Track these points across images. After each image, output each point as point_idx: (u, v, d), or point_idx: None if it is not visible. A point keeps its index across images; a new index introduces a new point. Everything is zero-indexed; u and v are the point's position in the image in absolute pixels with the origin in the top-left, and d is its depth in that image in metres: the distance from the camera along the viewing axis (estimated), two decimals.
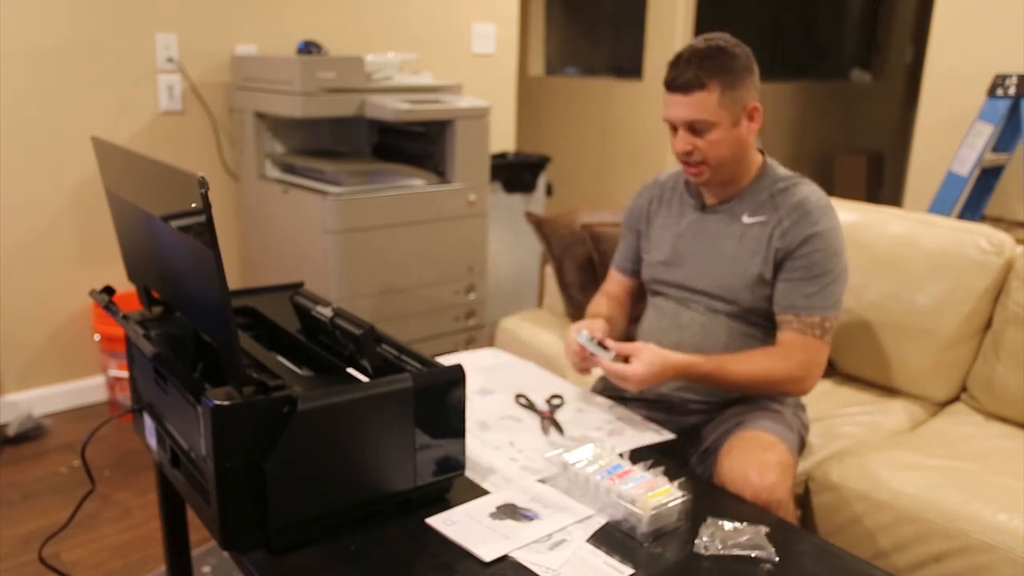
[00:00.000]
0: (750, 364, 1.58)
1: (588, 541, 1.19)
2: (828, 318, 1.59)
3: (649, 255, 1.78)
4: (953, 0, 3.19)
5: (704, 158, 1.58)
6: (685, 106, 1.54)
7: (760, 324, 1.66)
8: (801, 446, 1.70)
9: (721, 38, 1.56)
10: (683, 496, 1.25)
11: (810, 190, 1.63)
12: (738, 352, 1.63)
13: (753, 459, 1.46)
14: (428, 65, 3.38)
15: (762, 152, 1.69)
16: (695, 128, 1.56)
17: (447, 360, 1.28)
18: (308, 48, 2.94)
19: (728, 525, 1.22)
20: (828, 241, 1.58)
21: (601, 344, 1.56)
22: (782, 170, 1.68)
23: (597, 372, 2.14)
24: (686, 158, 1.60)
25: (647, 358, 1.51)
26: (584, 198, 4.79)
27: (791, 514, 1.47)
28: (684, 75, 1.52)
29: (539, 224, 2.48)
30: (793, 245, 1.58)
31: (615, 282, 1.89)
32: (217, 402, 1.04)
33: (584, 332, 1.58)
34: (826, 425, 1.91)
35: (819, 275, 1.58)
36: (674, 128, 1.60)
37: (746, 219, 1.64)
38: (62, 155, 2.74)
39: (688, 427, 1.68)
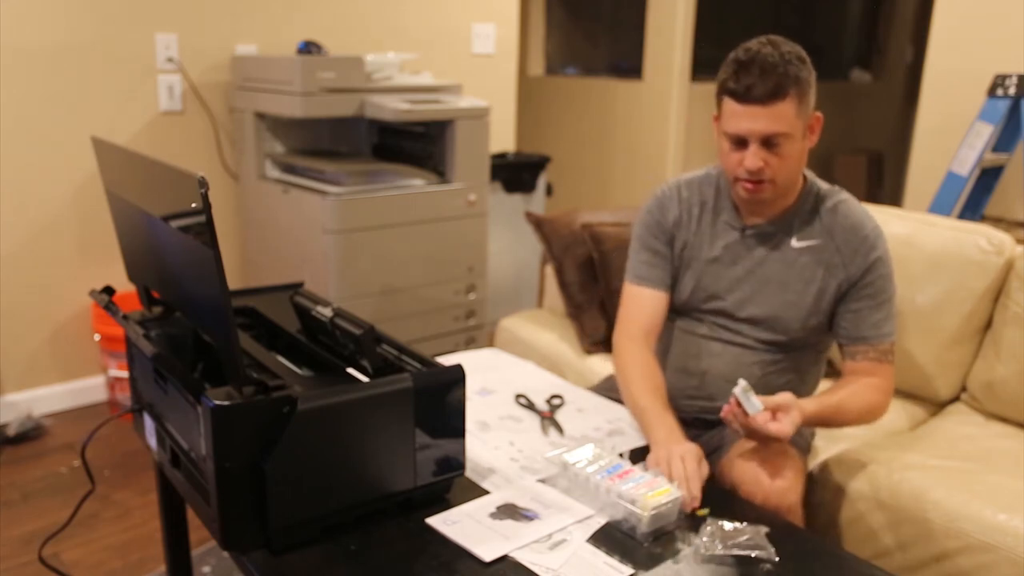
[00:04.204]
0: (859, 402, 1.52)
1: (588, 541, 1.19)
2: (895, 342, 1.56)
3: (682, 278, 1.64)
4: (953, 0, 3.19)
5: (774, 175, 1.45)
6: (763, 118, 1.40)
7: (794, 354, 1.61)
8: (808, 450, 1.69)
9: (786, 43, 1.44)
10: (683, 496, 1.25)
11: (860, 209, 1.56)
12: (830, 389, 1.54)
13: (765, 463, 1.45)
14: (428, 65, 3.38)
15: None
16: (770, 142, 1.43)
17: (447, 360, 1.28)
18: (308, 48, 2.94)
19: (728, 525, 1.22)
20: (887, 265, 1.55)
21: (751, 400, 1.37)
22: (823, 184, 1.60)
23: (598, 370, 2.14)
24: (755, 175, 1.46)
25: (796, 417, 1.37)
26: (584, 198, 4.79)
27: (799, 519, 1.45)
28: (763, 85, 1.38)
29: (539, 224, 2.48)
30: (857, 275, 1.53)
31: (651, 306, 1.64)
32: (217, 402, 1.04)
33: (742, 383, 1.36)
34: None
35: (884, 301, 1.54)
36: (738, 142, 1.46)
37: (795, 243, 1.55)
38: (62, 155, 2.74)
39: (694, 435, 1.66)
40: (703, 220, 1.63)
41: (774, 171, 1.46)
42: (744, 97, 1.41)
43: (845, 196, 1.59)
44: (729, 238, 1.61)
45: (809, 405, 1.43)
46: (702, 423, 1.68)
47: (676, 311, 1.70)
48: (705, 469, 1.36)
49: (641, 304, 1.65)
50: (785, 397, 1.38)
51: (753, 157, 1.44)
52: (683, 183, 1.68)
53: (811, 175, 1.60)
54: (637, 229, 1.69)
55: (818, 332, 1.60)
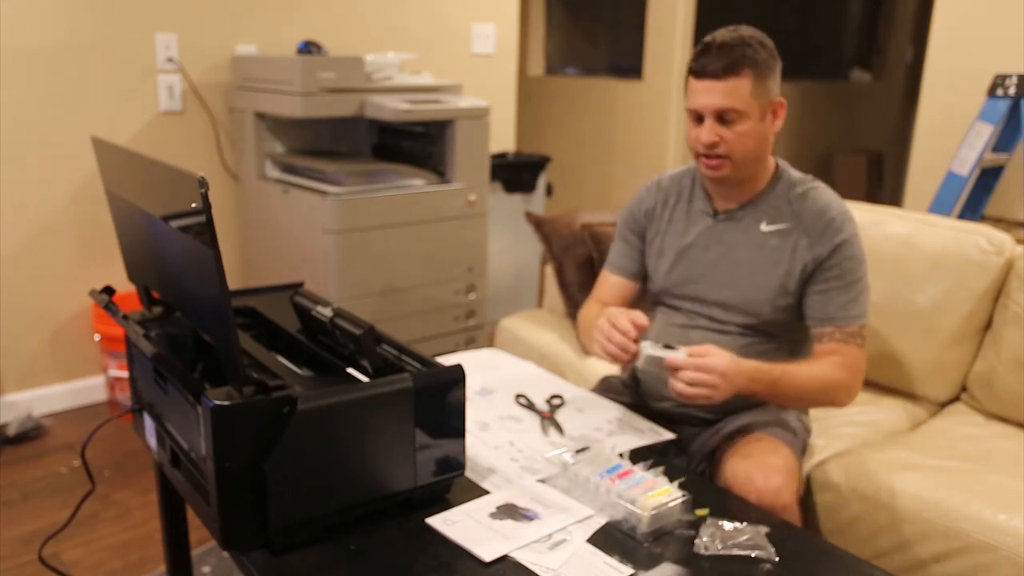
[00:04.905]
0: (811, 371, 1.52)
1: (588, 541, 1.19)
2: (864, 325, 1.56)
3: (658, 265, 1.70)
4: (953, 0, 3.19)
5: (729, 151, 1.51)
6: (718, 93, 1.47)
7: (774, 338, 1.62)
8: (804, 449, 1.69)
9: (748, 29, 1.52)
10: (683, 496, 1.25)
11: (830, 195, 1.59)
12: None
13: (758, 462, 1.45)
14: (428, 65, 3.38)
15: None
16: (724, 118, 1.49)
17: (447, 360, 1.28)
18: (308, 48, 2.94)
19: (728, 525, 1.22)
20: (855, 248, 1.55)
21: (668, 347, 1.41)
22: (795, 173, 1.63)
23: (598, 370, 2.14)
24: (710, 150, 1.52)
25: (726, 354, 1.40)
26: (584, 198, 4.79)
27: (796, 518, 1.46)
28: (719, 61, 1.46)
29: (539, 224, 2.48)
30: (822, 256, 1.54)
31: (612, 288, 1.78)
32: (217, 402, 1.04)
33: (648, 343, 1.42)
34: (826, 425, 1.91)
35: (852, 283, 1.54)
36: (698, 119, 1.53)
37: (764, 227, 1.59)
38: (62, 155, 2.74)
39: (690, 436, 1.66)
40: (678, 208, 1.69)
41: (729, 147, 1.51)
42: (700, 73, 1.50)
43: (817, 184, 1.62)
44: (702, 224, 1.65)
45: (751, 364, 1.44)
46: (694, 421, 1.67)
47: (657, 301, 1.74)
48: (632, 317, 1.43)
49: (608, 287, 1.79)
50: (706, 347, 1.40)
51: (708, 131, 1.51)
52: (666, 176, 1.75)
53: (784, 163, 1.64)
54: (619, 221, 1.80)
55: (791, 315, 1.61)
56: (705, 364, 1.37)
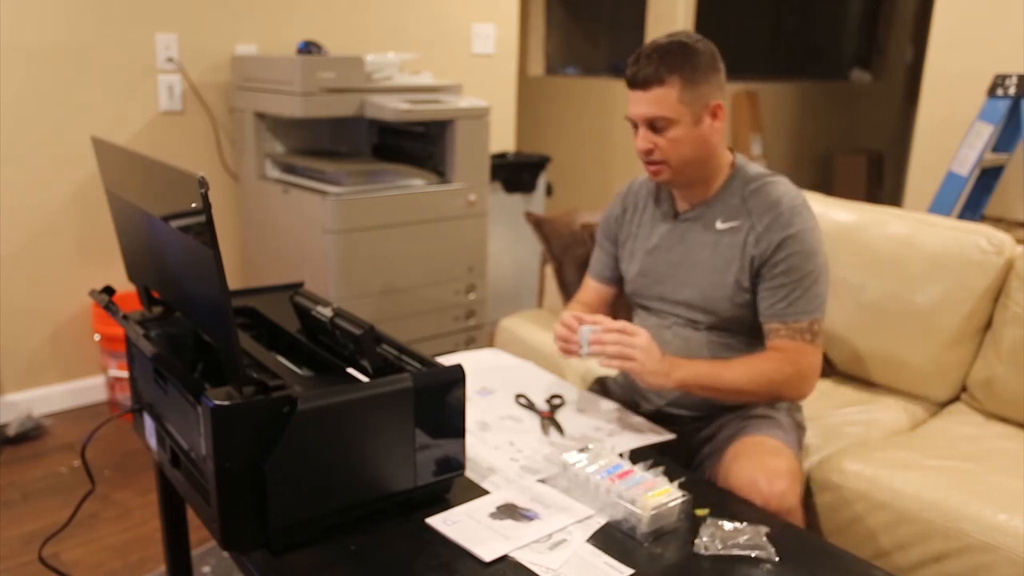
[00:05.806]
0: (745, 365, 1.54)
1: (588, 541, 1.19)
2: (815, 320, 1.54)
3: (628, 268, 1.73)
4: (953, 0, 3.19)
5: (665, 157, 1.53)
6: (645, 102, 1.50)
7: (740, 334, 1.62)
8: (800, 446, 1.69)
9: (683, 34, 1.52)
10: (683, 496, 1.25)
11: (782, 190, 1.57)
12: None
13: (761, 465, 1.44)
14: (428, 65, 3.38)
15: (731, 150, 1.64)
16: (655, 126, 1.51)
17: (447, 360, 1.28)
18: (308, 48, 2.94)
19: (728, 525, 1.22)
20: (804, 242, 1.53)
21: None
22: (753, 168, 1.62)
23: (594, 370, 2.14)
24: (646, 156, 1.55)
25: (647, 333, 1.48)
26: (584, 198, 4.79)
27: (799, 521, 1.45)
28: (644, 71, 1.48)
29: (539, 224, 2.49)
30: (768, 251, 1.53)
31: (591, 291, 1.83)
32: (217, 402, 1.04)
33: (585, 327, 1.50)
34: (825, 425, 1.91)
35: (800, 278, 1.53)
36: (636, 126, 1.55)
37: (719, 225, 1.59)
38: (62, 155, 2.74)
39: (684, 440, 1.66)
40: (646, 211, 1.72)
41: (664, 153, 1.53)
42: (631, 83, 1.53)
43: (775, 179, 1.60)
44: (665, 227, 1.67)
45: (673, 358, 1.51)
46: (679, 420, 1.68)
47: (632, 304, 1.76)
48: (578, 314, 1.52)
49: (586, 291, 1.85)
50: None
51: (641, 139, 1.55)
52: (638, 179, 1.77)
53: (742, 160, 1.64)
54: (598, 226, 1.84)
55: (752, 311, 1.60)
56: (625, 329, 1.46)
